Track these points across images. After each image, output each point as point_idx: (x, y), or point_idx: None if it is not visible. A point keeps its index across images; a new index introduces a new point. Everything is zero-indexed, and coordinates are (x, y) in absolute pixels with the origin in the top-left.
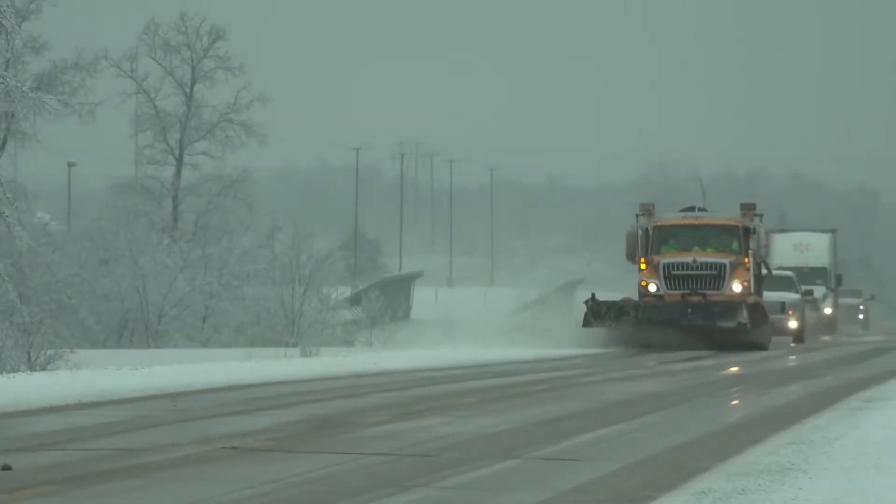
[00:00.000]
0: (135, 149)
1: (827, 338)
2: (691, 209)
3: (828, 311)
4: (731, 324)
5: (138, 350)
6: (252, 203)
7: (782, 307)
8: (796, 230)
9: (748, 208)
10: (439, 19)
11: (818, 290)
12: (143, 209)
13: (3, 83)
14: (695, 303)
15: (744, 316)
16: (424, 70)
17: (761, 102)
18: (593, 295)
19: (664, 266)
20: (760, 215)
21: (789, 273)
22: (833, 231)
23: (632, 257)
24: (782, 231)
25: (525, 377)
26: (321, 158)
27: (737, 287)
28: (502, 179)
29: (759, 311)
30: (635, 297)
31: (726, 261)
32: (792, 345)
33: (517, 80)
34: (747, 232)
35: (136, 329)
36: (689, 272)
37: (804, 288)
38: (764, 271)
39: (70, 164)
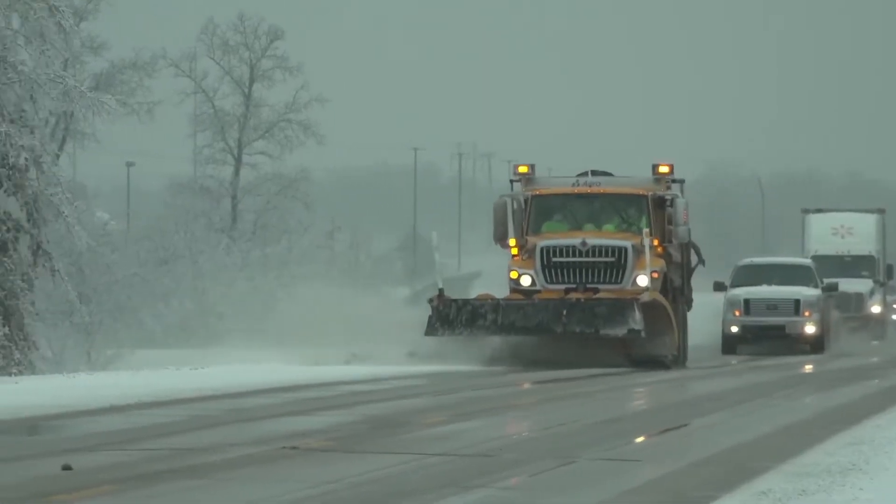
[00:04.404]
0: (193, 148)
1: (875, 342)
2: (586, 174)
3: (875, 309)
4: (619, 331)
5: (198, 350)
6: (310, 203)
7: (796, 306)
8: (836, 210)
9: (663, 172)
10: (498, 19)
11: (863, 284)
12: (201, 209)
13: (62, 83)
14: (572, 302)
15: (636, 320)
16: (483, 70)
17: (820, 101)
18: (441, 291)
19: (543, 251)
20: (681, 182)
21: (806, 262)
22: (881, 211)
23: (501, 238)
24: (818, 211)
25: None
26: (379, 158)
27: (642, 280)
28: None
29: (659, 314)
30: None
31: (627, 243)
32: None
33: (576, 81)
34: (661, 204)
35: (195, 329)
36: (577, 259)
37: (827, 281)
38: (694, 260)
39: (129, 164)
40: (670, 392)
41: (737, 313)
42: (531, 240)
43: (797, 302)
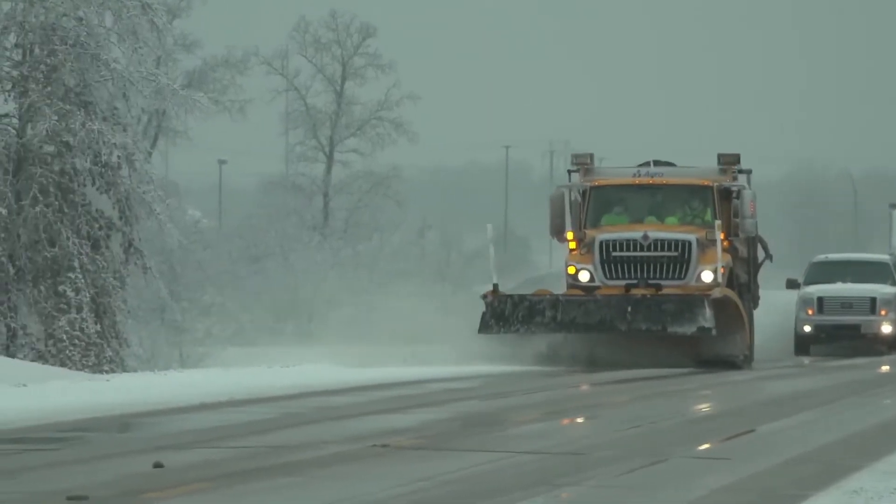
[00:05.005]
0: (285, 146)
1: None
2: (647, 164)
3: None
4: (688, 329)
5: (289, 347)
6: (402, 201)
7: (872, 305)
8: None
9: (729, 161)
10: (590, 17)
11: None
12: (293, 206)
13: (155, 81)
14: (637, 299)
15: (706, 317)
16: (574, 67)
17: None
18: (495, 287)
19: (602, 244)
20: (748, 172)
21: (884, 258)
22: None
23: (558, 232)
24: None
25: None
26: (470, 156)
27: (707, 275)
28: None
29: (731, 311)
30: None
31: (692, 237)
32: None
33: (668, 79)
34: (727, 195)
35: (287, 326)
36: (638, 253)
37: None
38: (761, 255)
39: (221, 162)
40: (755, 391)
41: (810, 312)
42: (590, 233)
43: (873, 300)
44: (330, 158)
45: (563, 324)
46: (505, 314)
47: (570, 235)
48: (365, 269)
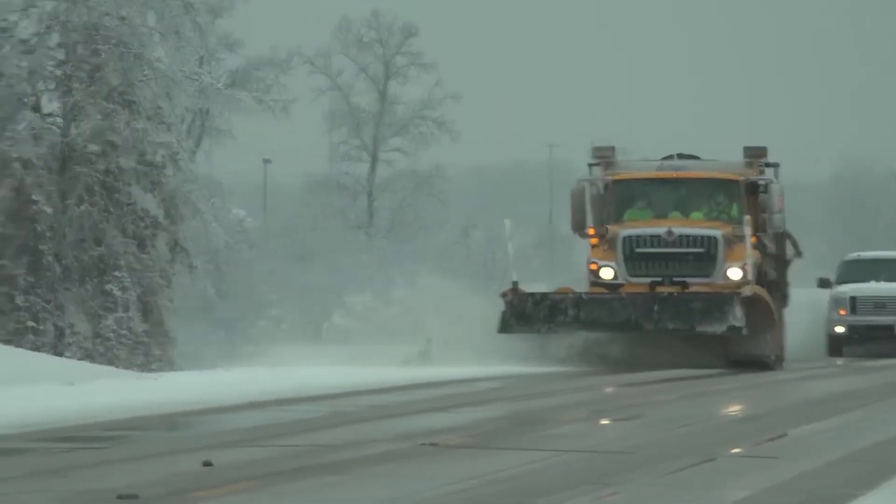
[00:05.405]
0: (329, 145)
1: None
2: (671, 157)
3: None
4: (717, 328)
5: (336, 346)
6: (446, 200)
7: None
8: None
9: (755, 154)
10: (634, 15)
11: None
12: (338, 206)
13: (198, 80)
14: (664, 297)
15: (737, 316)
16: (618, 66)
17: None
18: (515, 285)
19: (625, 241)
20: (775, 165)
21: None
22: None
23: (579, 227)
24: None
25: None
26: (514, 155)
27: (734, 273)
28: None
29: (761, 310)
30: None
31: (718, 232)
32: None
33: (712, 78)
34: (754, 190)
35: (333, 325)
36: (663, 250)
37: None
38: (790, 252)
39: (265, 161)
40: (795, 392)
41: (842, 312)
42: (612, 229)
43: None
44: (374, 158)
45: (587, 323)
46: (526, 313)
47: (592, 231)
48: (409, 268)
